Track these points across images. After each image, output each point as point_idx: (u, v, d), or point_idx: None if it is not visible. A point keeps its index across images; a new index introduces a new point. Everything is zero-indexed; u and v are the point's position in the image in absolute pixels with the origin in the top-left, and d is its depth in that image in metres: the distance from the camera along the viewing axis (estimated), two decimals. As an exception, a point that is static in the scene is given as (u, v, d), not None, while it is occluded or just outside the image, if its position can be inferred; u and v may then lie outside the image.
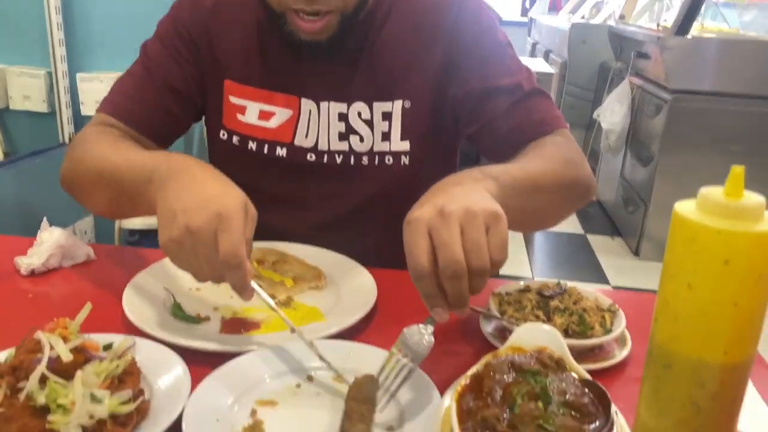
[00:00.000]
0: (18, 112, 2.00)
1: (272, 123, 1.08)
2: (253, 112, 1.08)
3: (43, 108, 1.98)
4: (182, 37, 1.09)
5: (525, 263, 3.35)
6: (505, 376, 0.66)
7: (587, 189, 1.00)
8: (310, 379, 0.74)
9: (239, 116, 1.09)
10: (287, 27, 0.97)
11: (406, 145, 1.08)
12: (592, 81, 4.76)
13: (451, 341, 0.85)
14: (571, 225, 3.93)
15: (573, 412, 0.60)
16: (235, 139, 1.11)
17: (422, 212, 0.67)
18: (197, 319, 0.87)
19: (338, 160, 1.09)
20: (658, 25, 3.88)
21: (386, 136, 1.08)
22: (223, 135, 1.12)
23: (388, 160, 1.09)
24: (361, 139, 1.08)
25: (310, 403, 0.70)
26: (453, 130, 1.12)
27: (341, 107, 1.07)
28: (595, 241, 3.73)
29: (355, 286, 0.96)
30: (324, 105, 1.07)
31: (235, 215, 0.71)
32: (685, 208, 0.56)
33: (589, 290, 0.89)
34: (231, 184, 0.78)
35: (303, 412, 0.67)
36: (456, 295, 0.65)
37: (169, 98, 1.08)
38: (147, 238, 2.01)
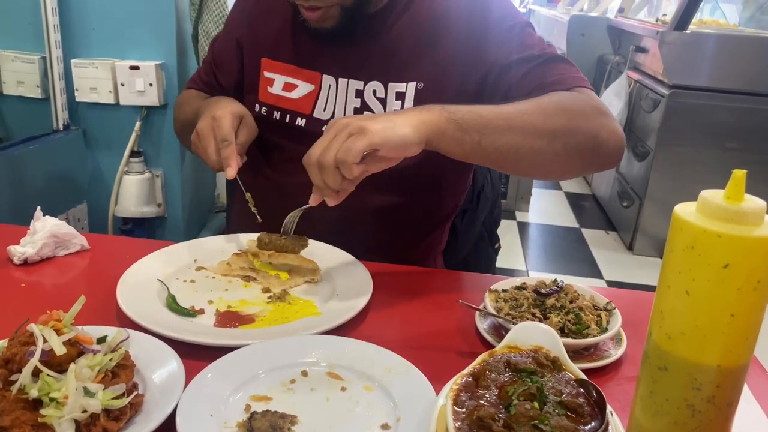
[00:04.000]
0: (12, 98, 1.98)
1: (294, 94, 1.15)
2: (279, 84, 1.16)
3: (37, 94, 1.95)
4: (228, 34, 1.26)
5: (519, 256, 3.36)
6: (501, 376, 0.65)
7: (599, 142, 0.95)
8: (304, 374, 0.74)
9: (268, 88, 1.18)
10: (301, 15, 1.07)
11: None
12: (589, 74, 4.74)
13: (447, 338, 0.85)
14: (565, 219, 3.93)
15: (568, 413, 0.60)
16: (263, 109, 1.19)
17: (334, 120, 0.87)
18: (192, 312, 0.86)
19: None
20: (657, 19, 3.87)
21: None
22: (257, 108, 1.19)
23: None
24: None
25: (304, 398, 0.69)
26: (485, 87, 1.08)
27: (358, 84, 1.11)
28: (590, 235, 3.73)
29: (350, 281, 0.95)
30: (343, 81, 1.12)
31: (223, 117, 1.03)
32: (685, 211, 0.55)
33: (586, 288, 0.89)
34: (236, 103, 1.11)
35: (297, 408, 0.66)
36: (315, 183, 0.87)
37: (227, 83, 1.27)
38: (140, 227, 2.00)
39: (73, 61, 1.93)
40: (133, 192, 1.93)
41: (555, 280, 0.89)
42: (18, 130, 1.99)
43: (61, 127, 1.93)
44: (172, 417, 0.63)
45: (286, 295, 0.93)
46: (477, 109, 0.91)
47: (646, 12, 4.74)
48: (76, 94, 1.96)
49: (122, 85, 1.93)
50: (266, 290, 0.94)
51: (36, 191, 1.81)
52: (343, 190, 0.87)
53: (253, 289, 0.95)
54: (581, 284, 0.90)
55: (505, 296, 0.87)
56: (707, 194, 0.54)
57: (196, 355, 0.74)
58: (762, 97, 3.13)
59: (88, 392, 0.62)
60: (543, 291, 0.86)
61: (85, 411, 0.60)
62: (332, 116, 1.13)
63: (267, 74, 1.18)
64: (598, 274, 3.24)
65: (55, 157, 1.88)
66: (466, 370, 0.66)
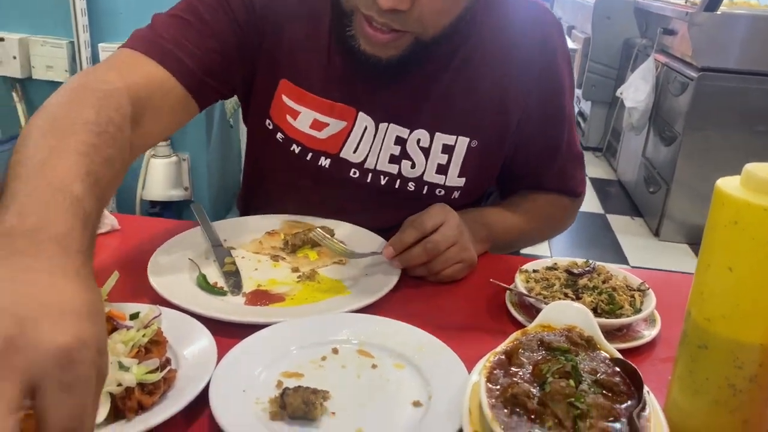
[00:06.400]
0: (40, 82, 2.00)
1: (323, 134, 1.01)
2: (307, 119, 1.00)
3: (65, 78, 1.97)
4: (247, 9, 0.95)
5: (543, 243, 3.33)
6: (534, 354, 0.65)
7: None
8: (335, 351, 0.74)
9: (289, 119, 1.01)
10: (351, 29, 0.88)
11: (461, 182, 1.05)
12: (615, 58, 4.67)
13: (477, 317, 0.85)
14: (591, 205, 3.89)
15: (604, 391, 0.60)
16: (279, 135, 1.03)
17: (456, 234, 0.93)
18: (222, 291, 0.87)
19: (383, 181, 1.04)
20: (686, 0, 3.78)
21: (442, 169, 1.03)
22: (268, 124, 1.04)
23: (439, 192, 1.05)
24: (413, 166, 1.03)
25: (335, 375, 0.69)
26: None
27: (402, 132, 1.01)
28: (615, 221, 3.69)
29: (379, 261, 0.95)
30: (383, 126, 1.01)
31: (88, 357, 0.43)
32: (728, 185, 0.54)
33: (618, 269, 0.88)
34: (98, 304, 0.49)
35: (328, 384, 0.66)
36: (411, 258, 0.91)
37: (215, 56, 0.93)
38: (167, 210, 2.02)
39: (100, 45, 1.95)
40: (160, 175, 1.95)
41: (587, 261, 0.88)
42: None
43: (88, 111, 1.95)
44: (204, 392, 0.64)
45: (315, 274, 0.93)
46: (506, 227, 1.09)
47: (674, -6, 4.63)
48: (103, 79, 1.98)
49: (148, 69, 1.94)
50: (295, 270, 0.94)
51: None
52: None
53: (282, 268, 0.95)
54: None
55: (535, 276, 0.86)
56: (752, 167, 0.52)
57: (226, 333, 0.75)
58: (795, 79, 3.06)
59: (122, 366, 0.63)
60: (575, 271, 0.84)
61: (119, 385, 0.61)
62: (365, 160, 1.02)
63: (288, 101, 1.00)
64: (623, 260, 3.21)
65: (83, 140, 1.89)
66: (499, 348, 0.65)
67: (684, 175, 3.24)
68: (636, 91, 3.63)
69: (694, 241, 3.38)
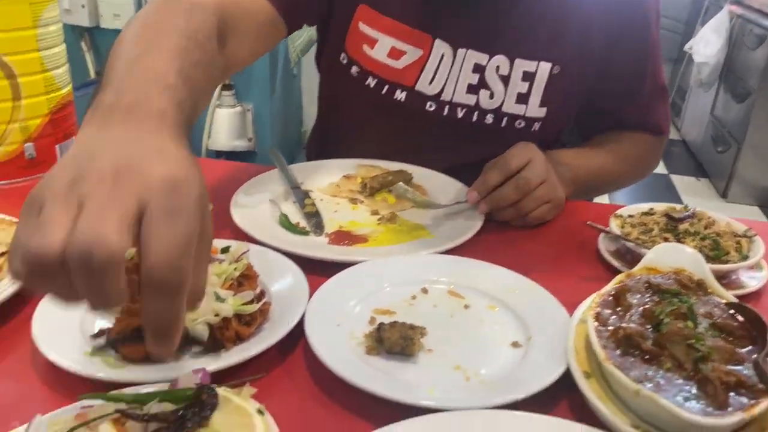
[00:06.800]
0: (108, 31, 2.01)
1: (400, 63, 0.98)
2: (384, 48, 0.97)
3: (130, 27, 1.98)
4: None
5: (605, 201, 3.24)
6: (642, 296, 0.62)
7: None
8: (424, 291, 0.72)
9: (366, 48, 0.98)
10: None
11: (542, 112, 1.00)
12: (683, 11, 4.44)
13: (567, 262, 0.81)
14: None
15: (723, 335, 0.56)
16: (354, 69, 1.01)
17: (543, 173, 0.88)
18: (305, 231, 0.86)
19: (459, 114, 1.00)
20: (766, -53, 3.54)
21: (523, 98, 0.99)
22: (343, 59, 1.01)
23: (519, 123, 1.00)
24: (491, 96, 0.99)
25: (427, 313, 0.68)
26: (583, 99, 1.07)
27: (480, 58, 0.97)
28: (680, 181, 3.56)
29: (461, 205, 0.92)
30: (461, 52, 0.97)
31: (193, 191, 0.43)
32: None
33: (720, 215, 0.83)
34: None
35: (421, 323, 0.64)
36: (501, 197, 0.86)
37: None
38: (232, 160, 2.02)
39: (164, -6, 1.94)
40: (224, 125, 1.95)
41: (685, 206, 0.83)
42: (114, 63, 2.03)
43: (154, 60, 1.95)
44: (297, 327, 0.63)
45: (396, 217, 0.91)
46: (590, 169, 1.03)
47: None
48: (167, 28, 1.97)
49: (212, 17, 1.92)
50: (375, 212, 0.93)
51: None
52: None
53: (361, 211, 0.93)
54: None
55: (631, 221, 0.82)
56: None
57: (312, 271, 0.74)
58: None
59: (218, 297, 0.62)
60: (675, 216, 0.80)
61: (217, 315, 0.60)
62: (440, 92, 0.99)
63: (365, 29, 0.98)
64: (688, 222, 3.09)
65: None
66: (605, 290, 0.62)
67: (757, 134, 3.09)
68: (707, 46, 3.46)
69: (766, 203, 3.23)
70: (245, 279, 0.68)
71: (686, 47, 3.66)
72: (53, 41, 1.01)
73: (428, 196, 0.96)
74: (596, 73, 1.02)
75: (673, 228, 0.78)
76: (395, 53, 0.98)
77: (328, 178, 1.02)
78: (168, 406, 0.47)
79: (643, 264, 0.66)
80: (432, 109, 1.00)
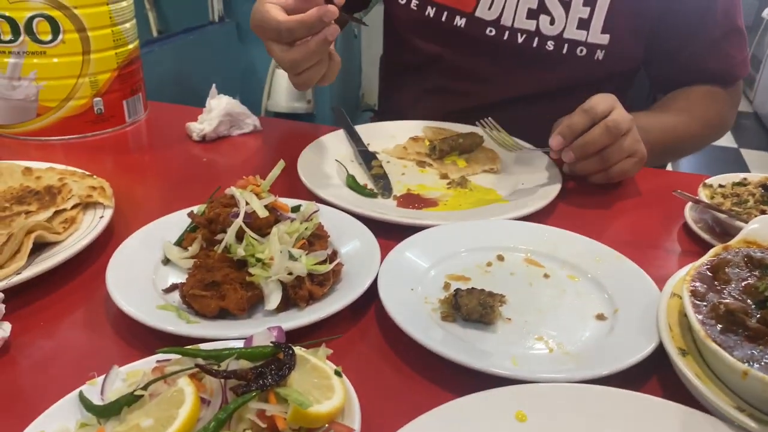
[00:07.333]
0: (170, -8, 2.01)
1: None
2: None
3: (191, -10, 1.97)
4: None
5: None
6: (742, 271, 0.57)
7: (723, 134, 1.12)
8: (500, 258, 0.69)
9: None
10: None
11: (605, 39, 0.97)
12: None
13: (652, 232, 0.77)
14: (722, 137, 3.58)
15: (836, 316, 0.51)
16: (413, 3, 1.03)
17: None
18: (372, 193, 0.83)
19: (520, 39, 0.99)
20: None
21: (584, 24, 0.97)
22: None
23: (581, 51, 0.98)
24: (552, 21, 0.97)
25: (504, 281, 0.65)
26: (649, 36, 1.01)
27: None
28: (750, 156, 3.39)
29: (535, 171, 0.88)
30: None
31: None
32: None
33: (822, 188, 0.76)
34: None
35: (498, 290, 0.61)
36: (590, 141, 0.80)
37: None
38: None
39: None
40: (284, 87, 1.93)
41: (784, 176, 0.77)
42: (177, 23, 2.03)
43: (216, 18, 1.94)
44: (370, 289, 0.61)
45: (467, 182, 0.87)
46: (664, 130, 0.96)
47: None
48: (229, -14, 1.96)
49: (273, -23, 1.89)
50: (444, 176, 0.89)
51: (193, 83, 1.85)
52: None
53: (430, 174, 0.90)
54: None
55: (722, 192, 0.76)
56: None
57: (382, 234, 0.71)
58: None
59: (291, 256, 0.60)
60: (773, 187, 0.74)
61: (290, 273, 0.59)
62: (500, 17, 0.98)
63: None
64: (758, 199, 2.95)
65: (211, 49, 1.90)
66: (700, 262, 0.58)
67: (839, 108, 2.90)
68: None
69: (843, 181, 3.04)
70: (316, 239, 0.67)
71: (764, 13, 3.45)
72: (122, -5, 1.01)
73: (497, 162, 0.92)
74: (661, 1, 0.97)
75: (771, 200, 0.73)
76: None
77: (394, 140, 0.99)
78: (245, 364, 0.45)
79: (742, 236, 0.61)
80: (492, 34, 1.00)
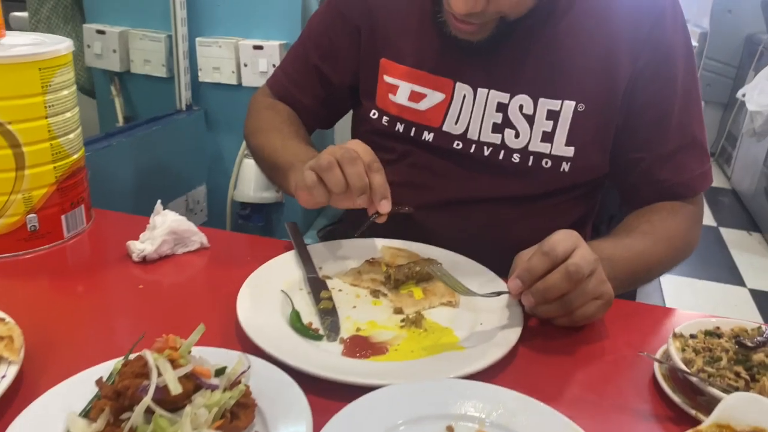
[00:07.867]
0: (138, 76, 1.98)
1: (422, 105, 1.02)
2: (404, 92, 1.03)
3: (162, 72, 1.94)
4: (343, 17, 1.08)
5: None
6: (715, 469, 0.50)
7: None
8: (449, 430, 0.61)
9: (390, 96, 1.04)
10: (441, 15, 0.94)
11: (570, 152, 0.97)
12: (735, 55, 4.29)
13: (620, 396, 0.70)
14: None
15: None
16: (384, 119, 1.06)
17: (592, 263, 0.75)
18: (317, 335, 0.76)
19: (486, 152, 1.00)
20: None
21: (548, 137, 0.97)
22: (373, 114, 1.07)
23: (546, 163, 0.98)
24: (517, 135, 0.98)
25: (451, 463, 0.57)
26: (613, 147, 1.01)
27: (502, 97, 0.98)
28: (730, 235, 3.37)
29: (496, 308, 0.82)
30: (482, 92, 0.99)
31: (359, 144, 0.88)
32: None
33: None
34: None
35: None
36: (549, 287, 0.74)
37: (316, 83, 1.12)
38: (258, 212, 1.95)
39: (197, 39, 1.90)
40: (252, 177, 1.89)
41: (760, 327, 0.72)
42: (144, 109, 1.99)
43: (183, 107, 1.91)
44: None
45: (422, 319, 0.81)
46: (628, 259, 0.90)
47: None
48: (199, 74, 1.92)
49: (245, 65, 1.86)
50: (398, 311, 0.83)
51: (158, 172, 1.80)
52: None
53: (383, 307, 0.84)
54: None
55: (694, 344, 0.70)
56: None
57: (321, 389, 0.64)
58: None
59: (203, 444, 0.53)
60: (747, 343, 0.68)
61: (200, 466, 0.51)
62: (466, 131, 1.00)
63: (388, 79, 1.04)
64: (739, 281, 2.91)
65: (177, 138, 1.86)
66: (668, 458, 0.51)
67: (815, 190, 2.91)
68: (761, 94, 3.29)
69: (824, 263, 3.03)
70: (241, 409, 0.59)
71: (738, 94, 3.50)
72: (64, 106, 0.96)
73: (456, 294, 0.86)
74: (622, 112, 0.97)
75: (745, 358, 0.66)
76: (415, 96, 1.02)
77: (350, 263, 0.93)
78: None
79: (714, 420, 0.55)
80: (459, 147, 1.01)
